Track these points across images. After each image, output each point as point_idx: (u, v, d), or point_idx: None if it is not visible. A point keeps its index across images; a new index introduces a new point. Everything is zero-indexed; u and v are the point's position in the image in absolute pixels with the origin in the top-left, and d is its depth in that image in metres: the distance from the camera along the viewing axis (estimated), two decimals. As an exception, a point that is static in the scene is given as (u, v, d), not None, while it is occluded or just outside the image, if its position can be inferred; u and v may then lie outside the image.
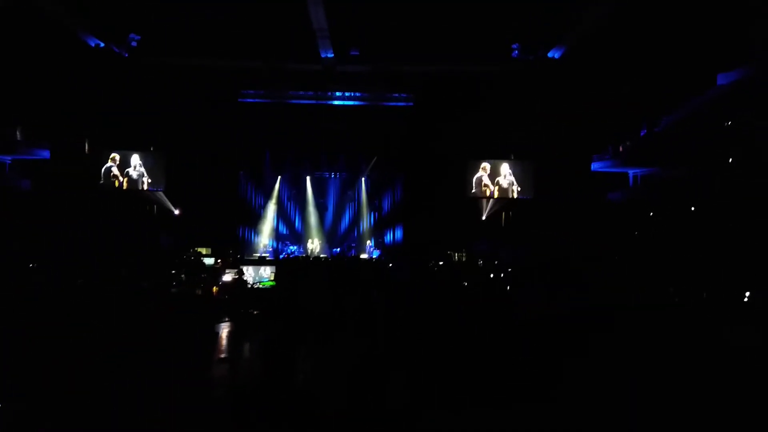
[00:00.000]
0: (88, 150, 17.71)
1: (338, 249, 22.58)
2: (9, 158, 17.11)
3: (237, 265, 12.43)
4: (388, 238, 22.02)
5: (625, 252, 13.78)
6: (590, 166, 17.52)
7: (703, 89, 14.39)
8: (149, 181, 17.73)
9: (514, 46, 16.81)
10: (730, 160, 13.62)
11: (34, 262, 10.80)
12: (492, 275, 12.32)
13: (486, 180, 18.15)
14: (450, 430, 4.03)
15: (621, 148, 17.00)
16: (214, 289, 11.10)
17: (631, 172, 17.67)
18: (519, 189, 18.13)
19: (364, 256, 20.99)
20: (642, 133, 16.62)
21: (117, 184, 17.52)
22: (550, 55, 16.96)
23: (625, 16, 13.85)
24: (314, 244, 22.07)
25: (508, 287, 10.76)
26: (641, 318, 6.10)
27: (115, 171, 17.61)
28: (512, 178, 18.16)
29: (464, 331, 6.15)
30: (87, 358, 3.57)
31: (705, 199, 13.33)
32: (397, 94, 18.78)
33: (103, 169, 17.55)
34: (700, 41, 13.39)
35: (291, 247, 22.00)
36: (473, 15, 14.58)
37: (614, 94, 15.60)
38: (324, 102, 19.00)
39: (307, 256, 19.46)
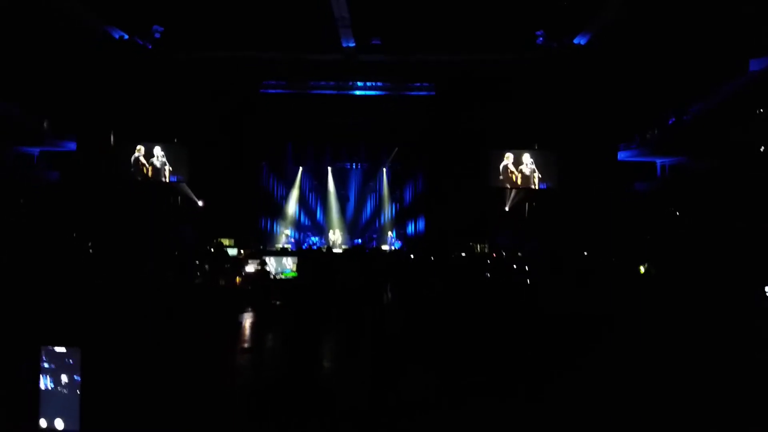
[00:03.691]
0: (114, 142, 17.96)
1: (359, 240, 22.59)
2: (37, 150, 17.46)
3: (259, 256, 12.47)
4: (410, 229, 21.93)
5: (652, 245, 13.50)
6: (617, 156, 17.18)
7: (734, 75, 13.96)
8: (170, 169, 17.93)
9: (538, 33, 16.51)
10: (762, 149, 13.23)
11: (62, 253, 10.99)
12: (515, 266, 12.19)
13: (512, 167, 17.93)
14: (465, 423, 4.00)
15: (649, 137, 16.62)
16: (238, 279, 11.17)
17: (659, 161, 17.30)
18: (540, 176, 17.85)
19: (385, 247, 20.96)
20: (670, 122, 16.22)
21: (145, 171, 17.83)
22: (575, 41, 16.62)
23: (652, 0, 13.49)
24: (336, 236, 22.10)
25: (529, 280, 10.63)
26: (664, 314, 5.97)
27: (143, 160, 17.91)
28: (533, 167, 17.92)
29: (483, 323, 6.09)
30: (110, 349, 3.62)
31: (735, 189, 12.97)
32: (418, 84, 18.62)
33: (132, 159, 17.83)
34: (731, 25, 12.97)
35: (313, 238, 22.06)
36: (495, 2, 14.34)
37: (641, 81, 15.20)
38: (345, 92, 18.93)
39: (329, 248, 19.50)
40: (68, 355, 2.77)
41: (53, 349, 2.80)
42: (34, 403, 2.82)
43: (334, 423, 4.07)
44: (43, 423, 2.86)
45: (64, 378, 2.79)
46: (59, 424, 2.85)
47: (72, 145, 17.29)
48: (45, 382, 2.82)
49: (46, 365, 2.80)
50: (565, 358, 4.95)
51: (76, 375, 2.77)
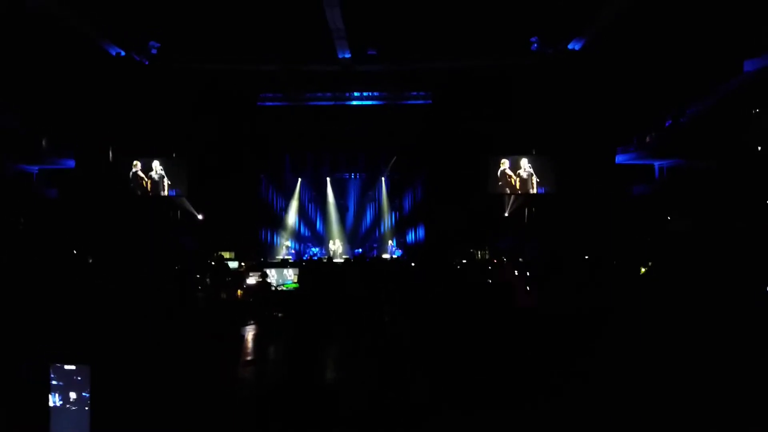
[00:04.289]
0: (112, 158, 18.01)
1: (360, 250, 22.58)
2: (36, 168, 17.49)
3: (260, 268, 12.44)
4: (410, 237, 21.94)
5: (650, 247, 13.50)
6: (614, 159, 17.23)
7: (729, 77, 14.04)
8: (169, 183, 17.99)
9: (533, 39, 16.61)
10: (759, 149, 13.27)
11: (64, 269, 10.97)
12: (516, 272, 12.17)
13: (509, 172, 18.01)
14: (470, 427, 3.99)
15: (648, 139, 16.68)
16: (239, 292, 11.14)
17: (656, 164, 17.35)
18: (538, 181, 17.92)
19: (386, 256, 20.96)
20: (667, 124, 16.28)
21: (144, 185, 17.91)
22: (570, 47, 16.72)
23: (646, 4, 13.58)
24: (336, 246, 22.11)
25: (529, 285, 10.61)
26: (665, 315, 5.95)
27: (141, 174, 17.99)
28: (531, 171, 17.99)
29: (484, 327, 6.08)
30: (118, 365, 3.62)
31: (733, 189, 13.00)
32: (415, 93, 18.71)
33: (131, 173, 17.90)
34: (724, 27, 13.06)
35: (313, 249, 22.06)
36: (489, 9, 14.43)
37: (637, 84, 15.29)
38: (342, 103, 19.02)
39: (330, 258, 19.49)
40: (77, 372, 2.78)
41: (62, 367, 2.82)
42: (44, 421, 2.83)
43: (337, 427, 4.07)
44: (52, 440, 2.85)
45: (72, 395, 2.80)
46: (69, 440, 2.84)
47: (70, 163, 17.33)
48: (54, 400, 2.83)
49: (55, 383, 2.81)
50: (569, 360, 4.94)
51: (85, 392, 2.78)
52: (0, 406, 2.91)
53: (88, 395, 2.78)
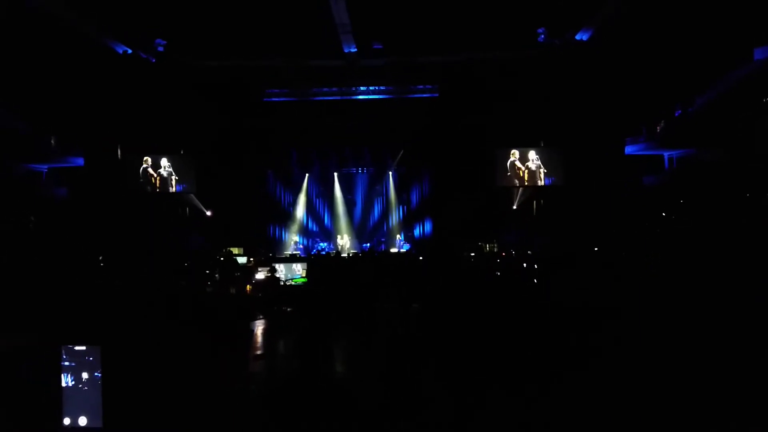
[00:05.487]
0: (121, 155, 18.10)
1: (368, 244, 22.59)
2: (45, 167, 17.61)
3: (269, 263, 12.48)
4: (418, 231, 21.93)
5: (660, 240, 13.40)
6: (623, 150, 17.11)
7: (738, 65, 13.90)
8: (176, 179, 18.08)
9: (540, 30, 16.50)
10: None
11: (76, 262, 11.06)
12: (525, 265, 12.12)
13: (518, 164, 17.93)
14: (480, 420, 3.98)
15: (657, 129, 16.55)
16: (248, 287, 11.17)
17: (666, 154, 17.22)
18: (546, 172, 17.82)
19: (394, 250, 20.97)
20: (676, 114, 16.14)
21: (153, 180, 18.01)
22: (577, 37, 16.60)
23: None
24: (344, 240, 22.13)
25: (536, 278, 10.56)
26: (675, 309, 5.89)
27: (151, 171, 18.11)
28: (539, 162, 17.90)
29: (490, 322, 6.06)
30: (129, 348, 3.65)
31: (744, 180, 12.87)
32: (421, 86, 18.63)
33: (140, 170, 18.01)
34: (734, 14, 12.91)
35: (321, 244, 22.10)
36: (496, 0, 14.35)
37: (646, 74, 15.14)
38: (348, 97, 18.98)
39: (338, 252, 19.52)
40: (88, 353, 2.82)
41: (73, 348, 2.85)
42: (57, 402, 2.86)
43: (348, 422, 4.07)
44: (66, 421, 2.92)
45: (84, 375, 2.84)
46: (83, 421, 2.91)
47: (79, 161, 17.43)
48: (66, 380, 2.87)
49: (66, 363, 2.85)
50: (577, 355, 4.90)
51: (97, 372, 2.81)
52: (13, 388, 2.95)
53: (99, 375, 2.81)
